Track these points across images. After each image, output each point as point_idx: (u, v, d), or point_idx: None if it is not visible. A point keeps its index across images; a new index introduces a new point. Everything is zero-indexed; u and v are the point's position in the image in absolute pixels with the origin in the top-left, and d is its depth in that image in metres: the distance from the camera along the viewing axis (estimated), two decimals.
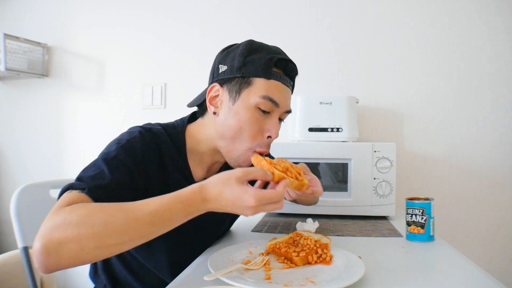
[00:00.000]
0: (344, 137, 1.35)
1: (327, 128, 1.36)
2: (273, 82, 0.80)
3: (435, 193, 1.55)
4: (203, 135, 0.86)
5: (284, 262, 0.76)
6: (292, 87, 0.88)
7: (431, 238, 0.94)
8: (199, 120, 0.89)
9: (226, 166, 0.93)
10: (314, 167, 1.30)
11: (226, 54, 0.84)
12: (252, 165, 0.78)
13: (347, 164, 1.25)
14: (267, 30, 1.72)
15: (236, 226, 1.17)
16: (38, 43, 1.94)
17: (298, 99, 1.41)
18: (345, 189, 1.25)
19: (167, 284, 0.78)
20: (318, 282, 0.63)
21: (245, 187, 0.63)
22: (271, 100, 0.79)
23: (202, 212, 0.65)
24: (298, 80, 1.79)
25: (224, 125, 0.82)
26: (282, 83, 0.82)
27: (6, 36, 1.79)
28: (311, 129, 1.37)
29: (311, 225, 1.03)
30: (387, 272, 0.73)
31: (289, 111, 0.86)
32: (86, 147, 1.94)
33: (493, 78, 1.54)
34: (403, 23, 1.60)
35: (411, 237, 0.95)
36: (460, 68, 1.57)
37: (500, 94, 1.54)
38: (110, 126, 1.92)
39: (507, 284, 0.68)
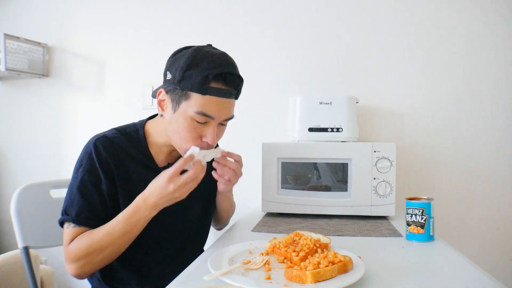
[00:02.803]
0: (344, 137, 1.35)
1: (327, 128, 1.36)
2: (208, 98, 0.86)
3: (435, 193, 1.55)
4: (160, 129, 0.98)
5: (284, 262, 0.76)
6: (236, 95, 0.93)
7: (431, 238, 0.94)
8: (157, 116, 1.01)
9: None
10: (314, 167, 1.30)
11: (173, 61, 0.90)
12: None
13: (347, 164, 1.25)
14: (268, 31, 1.72)
15: (236, 226, 1.18)
16: (38, 43, 1.94)
17: (298, 99, 1.41)
18: (345, 189, 1.25)
19: (150, 266, 0.98)
20: (318, 282, 0.63)
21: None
22: (205, 115, 0.87)
23: (151, 210, 0.85)
24: (298, 80, 1.78)
25: (168, 128, 0.93)
26: (220, 97, 0.87)
27: (6, 36, 1.79)
28: (311, 129, 1.37)
29: (212, 152, 0.92)
30: (387, 272, 0.73)
31: (229, 118, 0.93)
32: None
33: (493, 78, 1.54)
34: (404, 23, 1.60)
35: (411, 237, 0.95)
36: (460, 68, 1.57)
37: (500, 94, 1.54)
38: (110, 126, 1.88)
39: (507, 284, 0.68)
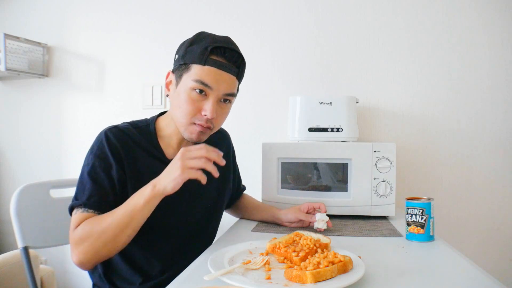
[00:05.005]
0: (344, 137, 1.35)
1: (327, 128, 1.36)
2: (207, 68, 0.89)
3: (435, 193, 1.55)
4: (168, 119, 1.01)
5: (284, 262, 0.76)
6: (237, 73, 0.95)
7: (431, 238, 0.94)
8: (167, 112, 1.04)
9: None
10: (314, 167, 1.30)
11: (181, 45, 0.97)
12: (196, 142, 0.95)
13: (347, 164, 1.25)
14: (267, 31, 1.72)
15: (236, 226, 1.18)
16: (38, 43, 1.94)
17: (298, 99, 1.41)
18: (345, 189, 1.25)
19: (155, 266, 0.97)
20: (318, 282, 0.63)
21: None
22: (203, 83, 0.89)
23: (155, 192, 0.81)
24: (298, 80, 1.78)
25: (171, 104, 0.97)
26: (218, 68, 0.90)
27: (6, 36, 1.79)
28: (311, 129, 1.37)
29: (319, 222, 1.05)
30: (387, 272, 0.73)
31: (230, 94, 0.94)
32: (86, 147, 1.93)
33: (492, 78, 1.54)
34: (403, 23, 1.60)
35: (411, 237, 0.95)
36: (460, 68, 1.57)
37: (500, 94, 1.54)
38: None
39: (507, 284, 0.68)
